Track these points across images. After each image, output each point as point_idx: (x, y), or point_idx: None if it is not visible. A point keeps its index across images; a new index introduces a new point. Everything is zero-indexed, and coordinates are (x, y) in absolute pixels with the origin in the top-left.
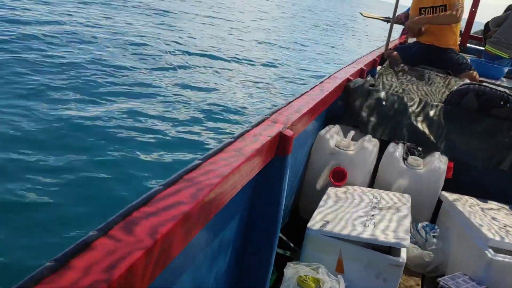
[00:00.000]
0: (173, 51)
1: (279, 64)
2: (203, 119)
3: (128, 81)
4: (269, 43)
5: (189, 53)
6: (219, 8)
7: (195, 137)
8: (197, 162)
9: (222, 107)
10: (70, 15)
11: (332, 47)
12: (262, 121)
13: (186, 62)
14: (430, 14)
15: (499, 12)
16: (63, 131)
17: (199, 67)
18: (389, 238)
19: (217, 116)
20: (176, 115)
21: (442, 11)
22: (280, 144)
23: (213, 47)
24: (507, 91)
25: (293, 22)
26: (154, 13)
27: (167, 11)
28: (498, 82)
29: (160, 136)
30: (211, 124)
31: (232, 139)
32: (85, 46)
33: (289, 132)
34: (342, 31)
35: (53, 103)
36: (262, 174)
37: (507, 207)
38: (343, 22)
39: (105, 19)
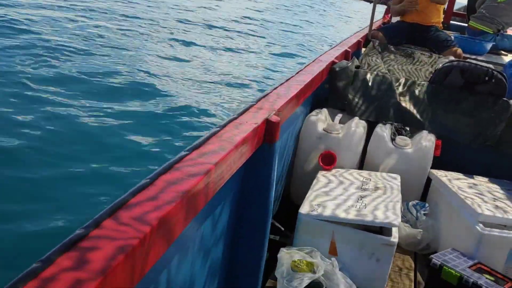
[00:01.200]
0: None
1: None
2: (188, 112)
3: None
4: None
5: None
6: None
7: (182, 129)
8: (183, 153)
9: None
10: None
11: (323, 27)
12: (248, 108)
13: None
14: None
15: None
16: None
17: (181, 59)
18: (380, 218)
19: (206, 106)
20: (158, 108)
21: None
22: (267, 131)
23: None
24: (491, 66)
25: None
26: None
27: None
28: (482, 58)
29: (146, 129)
30: (198, 115)
31: (219, 128)
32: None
33: (275, 119)
34: (328, 12)
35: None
36: (251, 162)
37: (495, 181)
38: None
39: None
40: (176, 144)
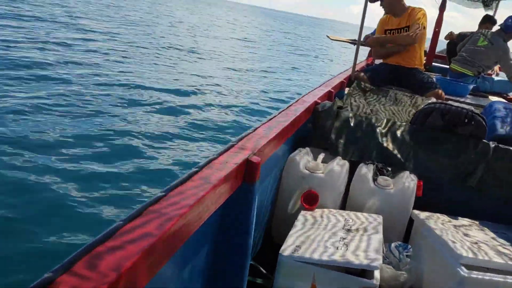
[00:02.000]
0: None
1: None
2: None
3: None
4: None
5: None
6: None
7: (161, 170)
8: (160, 194)
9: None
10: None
11: (308, 70)
12: (229, 148)
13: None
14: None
15: (454, 30)
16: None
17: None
18: (361, 260)
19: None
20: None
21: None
22: (247, 171)
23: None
24: (472, 108)
25: (270, 49)
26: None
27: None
28: (463, 99)
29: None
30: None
31: (197, 168)
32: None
33: (256, 159)
34: (316, 55)
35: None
36: (230, 202)
37: (477, 222)
38: (318, 47)
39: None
40: (153, 185)
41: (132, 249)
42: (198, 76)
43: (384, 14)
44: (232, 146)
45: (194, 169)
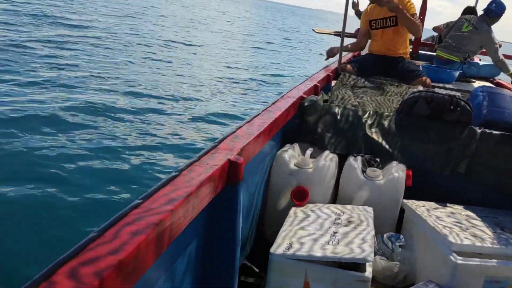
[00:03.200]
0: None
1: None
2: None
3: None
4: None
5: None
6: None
7: (140, 174)
8: (136, 202)
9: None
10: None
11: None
12: (211, 149)
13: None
14: (379, 26)
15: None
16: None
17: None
18: (352, 254)
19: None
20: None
21: (392, 22)
22: (230, 172)
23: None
24: (458, 94)
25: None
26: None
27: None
28: (450, 86)
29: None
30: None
31: (177, 172)
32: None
33: (239, 159)
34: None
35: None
36: (214, 204)
37: (468, 209)
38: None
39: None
40: (129, 191)
41: (108, 260)
42: (181, 75)
43: (369, 5)
44: (214, 147)
45: (174, 173)
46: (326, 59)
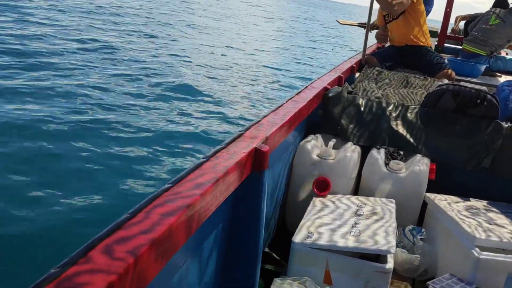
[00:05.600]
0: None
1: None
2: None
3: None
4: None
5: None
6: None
7: (169, 158)
8: (166, 185)
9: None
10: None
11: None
12: (237, 137)
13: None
14: (391, 18)
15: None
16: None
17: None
18: (374, 245)
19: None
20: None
21: (404, 17)
22: (256, 160)
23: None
24: (485, 88)
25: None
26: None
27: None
28: (476, 80)
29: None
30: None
31: (205, 159)
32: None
33: (264, 147)
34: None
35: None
36: (239, 191)
37: (491, 204)
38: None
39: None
40: (162, 176)
41: (141, 240)
42: (211, 63)
43: None
44: (240, 135)
45: (202, 159)
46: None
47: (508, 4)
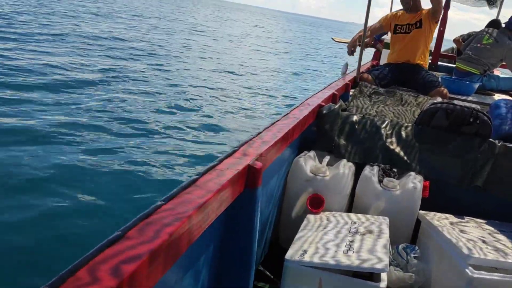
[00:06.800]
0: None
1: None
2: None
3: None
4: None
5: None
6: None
7: (161, 177)
8: (159, 203)
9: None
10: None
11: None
12: (231, 154)
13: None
14: (404, 30)
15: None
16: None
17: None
18: (367, 263)
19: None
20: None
21: (417, 25)
22: (249, 177)
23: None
24: (478, 106)
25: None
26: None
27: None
28: (469, 98)
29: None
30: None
31: (198, 175)
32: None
33: (257, 164)
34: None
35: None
36: (232, 208)
37: (485, 222)
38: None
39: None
40: (154, 192)
41: (132, 258)
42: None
43: (399, 10)
44: (234, 152)
45: (195, 176)
46: (350, 54)
47: (501, 25)
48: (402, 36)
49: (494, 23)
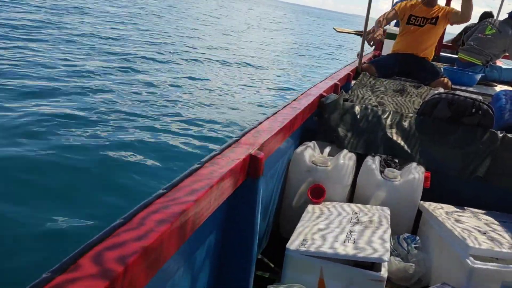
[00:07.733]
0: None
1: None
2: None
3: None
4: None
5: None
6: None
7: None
8: (160, 191)
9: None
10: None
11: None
12: (233, 143)
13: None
14: (418, 23)
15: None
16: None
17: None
18: (368, 253)
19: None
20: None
21: (432, 21)
22: (250, 167)
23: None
24: (480, 97)
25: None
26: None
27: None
28: (471, 89)
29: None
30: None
31: (200, 164)
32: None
33: (259, 154)
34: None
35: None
36: (234, 197)
37: (485, 213)
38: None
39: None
40: (156, 181)
41: (133, 247)
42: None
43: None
44: (236, 141)
45: (196, 165)
46: (371, 45)
47: (493, 16)
48: (414, 28)
49: (487, 15)
